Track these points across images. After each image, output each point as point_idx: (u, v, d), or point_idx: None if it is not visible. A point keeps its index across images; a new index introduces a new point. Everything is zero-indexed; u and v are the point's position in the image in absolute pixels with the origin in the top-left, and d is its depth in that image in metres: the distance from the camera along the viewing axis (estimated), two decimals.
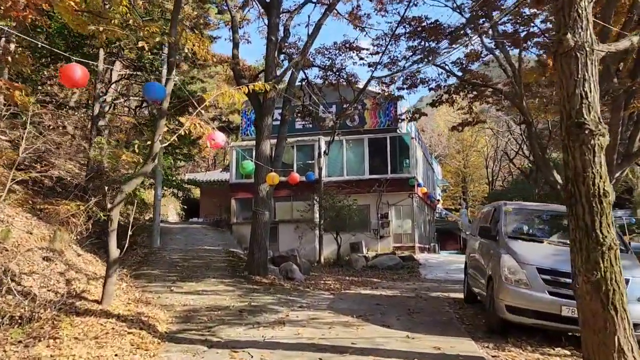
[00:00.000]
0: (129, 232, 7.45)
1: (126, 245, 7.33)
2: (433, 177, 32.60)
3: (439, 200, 38.32)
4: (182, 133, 6.85)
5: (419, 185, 23.34)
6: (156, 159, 6.80)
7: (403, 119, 18.09)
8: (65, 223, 10.71)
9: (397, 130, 23.25)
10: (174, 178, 21.71)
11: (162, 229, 22.31)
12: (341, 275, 17.22)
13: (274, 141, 13.22)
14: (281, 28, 14.31)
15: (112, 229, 6.81)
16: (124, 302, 7.61)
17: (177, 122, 21.59)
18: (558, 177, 12.66)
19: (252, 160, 10.02)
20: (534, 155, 12.66)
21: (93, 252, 14.26)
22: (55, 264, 8.70)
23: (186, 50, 8.27)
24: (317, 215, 21.59)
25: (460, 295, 10.87)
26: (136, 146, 8.85)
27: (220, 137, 7.55)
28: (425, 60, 14.04)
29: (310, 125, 23.74)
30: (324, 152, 19.35)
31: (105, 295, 6.94)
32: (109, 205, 6.74)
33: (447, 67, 14.54)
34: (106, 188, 8.91)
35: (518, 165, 47.99)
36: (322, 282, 14.16)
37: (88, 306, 6.73)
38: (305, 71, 17.19)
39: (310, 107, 18.06)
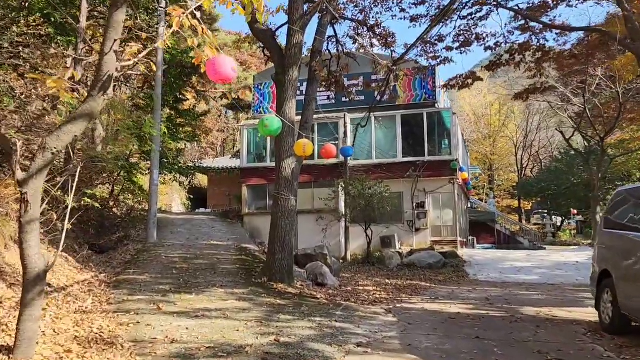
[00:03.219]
0: (66, 226, 4.23)
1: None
2: (468, 162, 29.22)
3: (473, 188, 34.96)
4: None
5: (461, 169, 19.97)
6: (110, 87, 3.60)
7: (452, 85, 14.69)
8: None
9: (435, 105, 19.86)
10: (174, 161, 18.51)
11: (163, 220, 19.25)
12: (376, 276, 14.19)
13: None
14: None
15: (28, 219, 3.63)
16: (66, 344, 4.43)
17: (177, 95, 18.44)
18: None
19: (277, 116, 6.78)
20: None
21: (65, 248, 11.19)
22: None
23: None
24: (342, 204, 18.43)
25: (568, 314, 7.75)
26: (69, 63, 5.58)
27: (229, 63, 4.37)
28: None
29: (334, 100, 20.48)
30: (360, 124, 15.99)
31: (21, 340, 3.79)
32: (19, 175, 3.55)
33: (518, 9, 11.08)
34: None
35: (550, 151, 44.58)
36: (360, 288, 11.04)
37: None
38: (334, 26, 13.88)
39: (337, 74, 14.71)
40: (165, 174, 18.50)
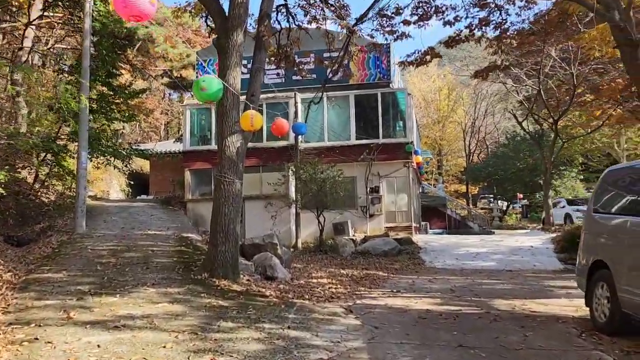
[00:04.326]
0: None
1: None
2: (420, 146, 28.73)
3: (425, 172, 34.72)
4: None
5: (415, 152, 19.28)
6: None
7: (410, 62, 13.74)
8: None
9: (390, 85, 19.01)
10: (109, 143, 16.74)
11: (97, 208, 17.55)
12: (330, 265, 13.26)
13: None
14: None
15: None
16: None
17: (109, 69, 16.59)
18: None
19: (217, 78, 5.52)
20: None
21: None
22: None
23: None
24: (292, 189, 17.35)
25: (545, 307, 7.04)
26: None
27: None
28: None
29: (284, 79, 19.29)
30: (312, 101, 14.83)
31: None
32: None
33: None
34: None
35: (497, 133, 45.06)
36: (314, 281, 10.03)
37: None
38: None
39: (287, 49, 13.46)
40: (98, 157, 16.75)
